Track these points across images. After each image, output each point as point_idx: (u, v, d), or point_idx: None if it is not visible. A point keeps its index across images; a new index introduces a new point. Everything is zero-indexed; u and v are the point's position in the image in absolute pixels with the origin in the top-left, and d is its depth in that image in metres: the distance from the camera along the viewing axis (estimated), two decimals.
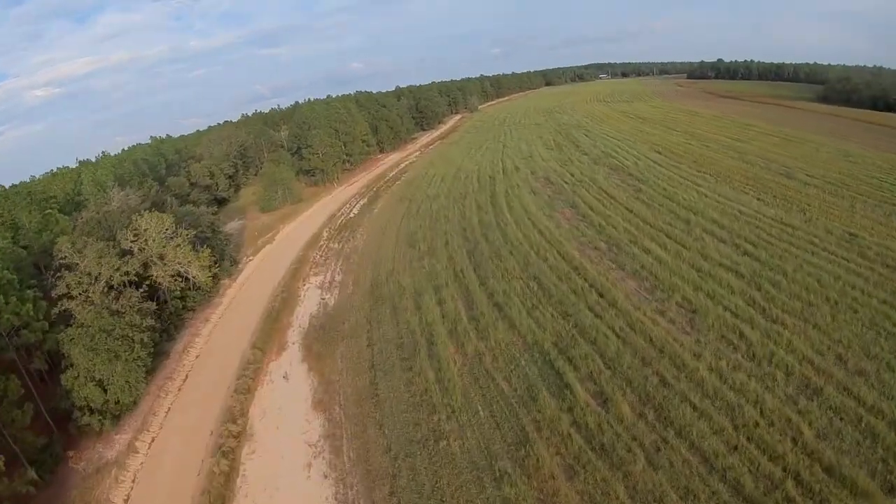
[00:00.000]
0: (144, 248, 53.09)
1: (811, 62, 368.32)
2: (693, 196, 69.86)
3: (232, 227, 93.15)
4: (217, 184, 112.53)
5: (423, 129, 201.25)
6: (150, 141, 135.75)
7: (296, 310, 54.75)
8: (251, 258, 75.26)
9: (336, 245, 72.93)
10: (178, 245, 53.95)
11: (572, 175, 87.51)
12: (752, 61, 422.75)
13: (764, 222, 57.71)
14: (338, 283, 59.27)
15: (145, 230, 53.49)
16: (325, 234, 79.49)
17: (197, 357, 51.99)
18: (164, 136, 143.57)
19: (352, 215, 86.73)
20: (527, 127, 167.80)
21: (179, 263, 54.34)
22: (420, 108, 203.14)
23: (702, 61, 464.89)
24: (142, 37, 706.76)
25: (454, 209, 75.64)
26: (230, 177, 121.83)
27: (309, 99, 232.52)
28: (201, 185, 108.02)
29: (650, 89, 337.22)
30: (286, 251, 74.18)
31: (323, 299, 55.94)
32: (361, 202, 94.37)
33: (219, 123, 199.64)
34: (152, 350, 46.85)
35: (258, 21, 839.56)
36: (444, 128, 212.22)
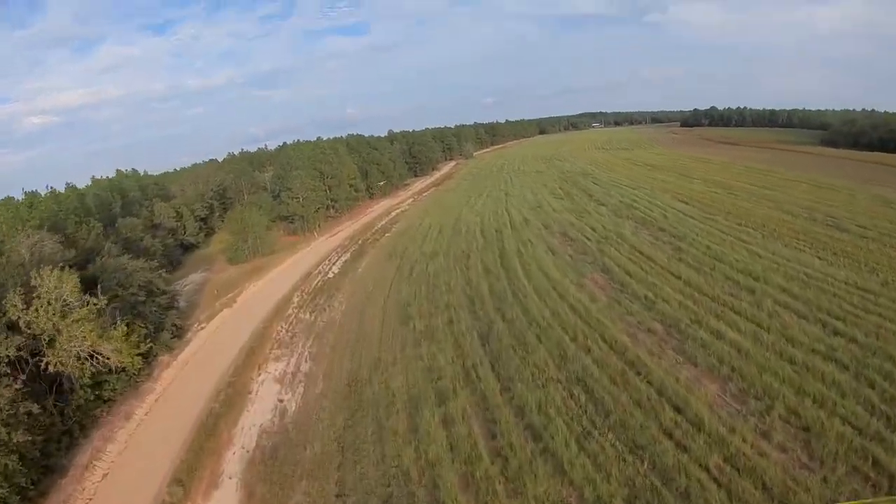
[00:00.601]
0: (34, 322, 38.30)
1: (801, 108, 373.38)
2: (745, 256, 56.38)
3: (192, 280, 79.73)
4: (185, 227, 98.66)
5: (417, 175, 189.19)
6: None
7: (242, 417, 39.28)
8: (203, 325, 60.23)
9: (307, 315, 57.93)
10: (79, 319, 39.04)
11: (594, 229, 73.89)
12: (745, 108, 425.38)
13: (838, 288, 45.30)
14: (303, 376, 43.91)
15: (37, 296, 38.80)
16: (295, 298, 64.49)
17: (104, 477, 36.80)
18: (132, 170, 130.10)
19: (331, 275, 71.99)
20: (528, 174, 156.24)
21: (81, 344, 39.36)
22: (413, 152, 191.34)
23: (695, 109, 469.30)
24: (140, 71, 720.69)
25: (456, 272, 61.05)
26: (202, 219, 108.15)
27: (298, 140, 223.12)
28: (165, 227, 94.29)
29: (646, 137, 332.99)
30: (246, 319, 59.23)
31: (281, 401, 40.57)
32: (344, 257, 79.99)
33: (204, 161, 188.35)
34: (30, 481, 32.02)
35: (256, 62, 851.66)
36: (438, 174, 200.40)
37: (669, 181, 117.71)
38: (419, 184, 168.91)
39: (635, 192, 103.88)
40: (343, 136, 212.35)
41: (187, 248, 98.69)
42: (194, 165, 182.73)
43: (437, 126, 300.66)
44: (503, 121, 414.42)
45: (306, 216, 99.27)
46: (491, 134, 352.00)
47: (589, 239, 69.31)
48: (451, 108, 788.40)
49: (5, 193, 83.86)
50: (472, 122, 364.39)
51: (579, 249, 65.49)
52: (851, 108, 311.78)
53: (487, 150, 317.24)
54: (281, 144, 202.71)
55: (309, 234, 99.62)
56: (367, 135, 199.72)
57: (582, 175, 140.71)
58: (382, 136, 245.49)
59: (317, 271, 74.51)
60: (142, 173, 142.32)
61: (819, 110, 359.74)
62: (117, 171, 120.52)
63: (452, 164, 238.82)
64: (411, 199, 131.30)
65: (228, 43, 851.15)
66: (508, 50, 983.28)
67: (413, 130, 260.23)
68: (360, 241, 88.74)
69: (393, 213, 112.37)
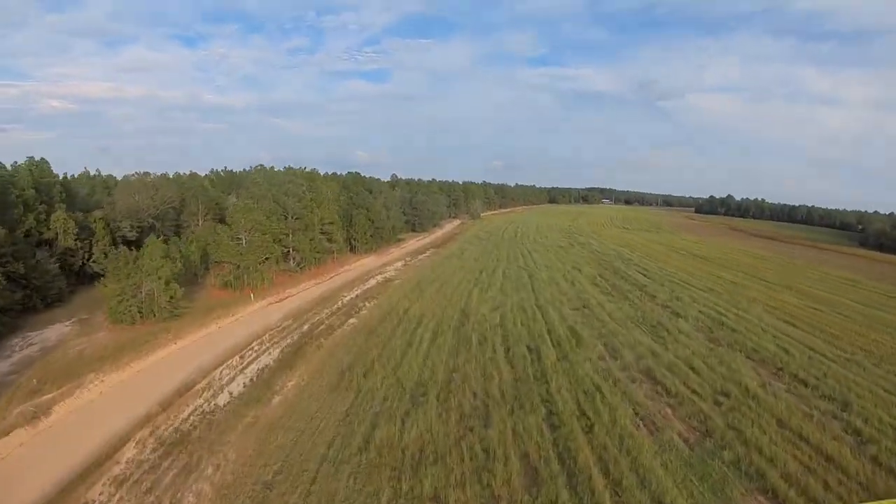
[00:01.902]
0: None
1: (820, 206, 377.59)
2: None
3: (44, 338, 51.66)
4: (91, 249, 69.03)
5: (415, 231, 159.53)
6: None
7: None
8: None
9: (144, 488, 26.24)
10: None
11: (693, 369, 42.84)
12: (763, 200, 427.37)
13: None
14: None
15: None
16: (149, 440, 32.44)
17: None
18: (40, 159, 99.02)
19: (225, 398, 39.52)
20: (550, 249, 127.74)
21: None
22: (415, 203, 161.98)
23: (711, 196, 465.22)
24: (162, 77, 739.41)
25: (459, 466, 29.26)
26: (130, 243, 78.24)
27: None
28: (59, 245, 67.11)
29: (666, 220, 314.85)
30: (45, 464, 27.86)
31: None
32: (268, 356, 47.26)
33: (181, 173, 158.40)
34: None
35: (276, 91, 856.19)
36: (440, 232, 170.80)
37: (741, 283, 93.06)
38: (416, 242, 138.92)
39: (708, 297, 76.54)
40: (339, 172, 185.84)
41: (92, 276, 67.79)
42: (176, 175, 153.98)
43: (445, 180, 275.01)
44: (513, 184, 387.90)
45: (246, 266, 68.35)
46: (500, 195, 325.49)
47: (698, 395, 38.06)
48: (459, 166, 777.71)
49: None
50: (480, 181, 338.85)
51: (693, 422, 34.17)
52: (862, 210, 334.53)
53: (496, 212, 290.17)
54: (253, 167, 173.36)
55: (247, 291, 68.58)
56: (367, 175, 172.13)
57: (620, 260, 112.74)
58: (385, 179, 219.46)
59: (216, 377, 42.44)
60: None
61: (836, 209, 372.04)
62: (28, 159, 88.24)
63: (457, 222, 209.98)
64: (401, 262, 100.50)
65: (253, 68, 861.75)
66: (522, 116, 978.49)
67: (419, 180, 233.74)
68: (307, 324, 56.50)
69: (372, 281, 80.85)
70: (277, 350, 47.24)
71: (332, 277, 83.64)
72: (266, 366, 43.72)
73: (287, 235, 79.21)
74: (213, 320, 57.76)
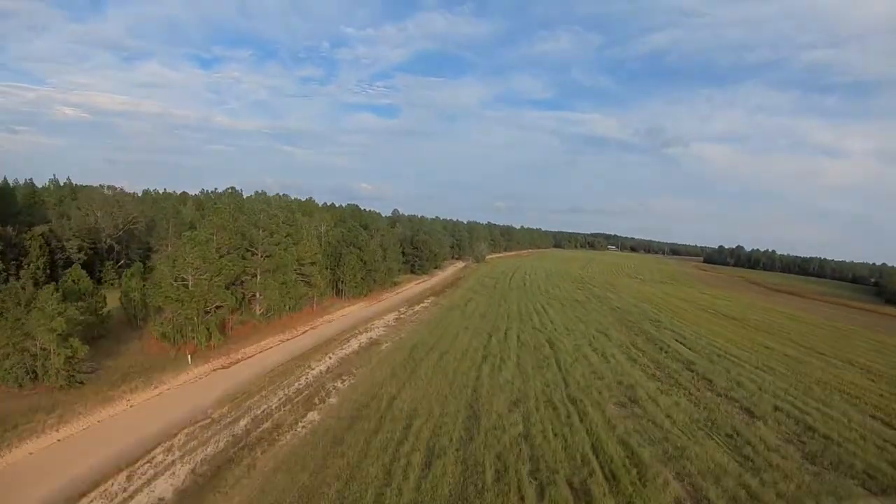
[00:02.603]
0: None
1: (830, 258, 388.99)
2: None
3: None
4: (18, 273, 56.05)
5: (414, 272, 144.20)
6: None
7: None
8: None
9: None
10: None
11: None
12: (773, 252, 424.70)
13: None
14: None
15: None
16: None
17: None
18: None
19: None
20: (566, 303, 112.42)
21: None
22: (416, 242, 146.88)
23: (720, 246, 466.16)
24: (175, 96, 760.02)
25: None
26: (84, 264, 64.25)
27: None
28: None
29: (676, 270, 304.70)
30: None
31: None
32: (168, 483, 29.41)
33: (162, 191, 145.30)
34: None
35: (286, 118, 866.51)
36: (441, 275, 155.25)
37: (795, 357, 78.29)
38: (414, 286, 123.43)
39: (772, 381, 62.72)
40: (335, 203, 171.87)
41: None
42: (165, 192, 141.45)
43: (448, 218, 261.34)
44: (518, 226, 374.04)
45: (189, 317, 52.50)
46: (506, 238, 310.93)
47: None
48: (462, 204, 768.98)
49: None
50: (485, 222, 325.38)
51: None
52: (871, 262, 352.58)
53: (501, 255, 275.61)
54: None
55: (203, 349, 52.80)
56: (367, 209, 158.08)
57: (647, 320, 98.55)
58: (386, 214, 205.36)
59: None
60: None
61: (846, 261, 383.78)
62: None
63: (461, 265, 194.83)
64: (395, 315, 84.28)
65: (265, 94, 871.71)
66: (528, 158, 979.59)
67: (421, 217, 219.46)
68: (246, 418, 39.46)
69: (353, 342, 63.73)
70: (187, 469, 30.73)
71: (305, 332, 67.66)
72: (160, 500, 27.53)
73: (252, 277, 63.69)
74: (125, 394, 41.74)
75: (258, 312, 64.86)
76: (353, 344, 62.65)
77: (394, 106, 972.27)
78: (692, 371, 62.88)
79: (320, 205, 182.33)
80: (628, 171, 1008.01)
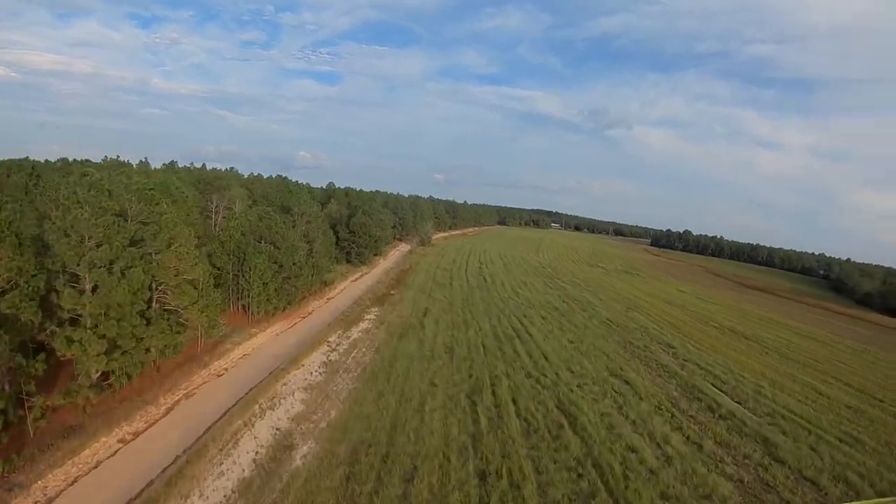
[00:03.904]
0: None
1: (776, 246, 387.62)
2: None
3: None
4: None
5: (351, 262, 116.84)
6: None
7: None
8: None
9: None
10: None
11: None
12: (721, 238, 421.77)
13: None
14: None
15: None
16: None
17: None
18: None
19: None
20: (547, 316, 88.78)
21: None
22: (353, 226, 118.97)
23: (668, 230, 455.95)
24: (112, 56, 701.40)
25: None
26: None
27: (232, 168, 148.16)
28: None
29: (633, 255, 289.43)
30: None
31: None
32: None
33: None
34: None
35: (225, 83, 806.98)
36: (384, 265, 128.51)
37: (858, 408, 59.61)
38: (350, 286, 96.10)
39: (879, 470, 40.66)
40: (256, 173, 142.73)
41: None
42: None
43: (389, 191, 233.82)
44: (456, 200, 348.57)
45: None
46: (451, 215, 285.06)
47: None
48: (402, 177, 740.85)
49: None
50: (426, 196, 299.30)
51: None
52: (813, 252, 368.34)
53: (446, 234, 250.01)
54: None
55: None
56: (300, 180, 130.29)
57: (659, 346, 76.53)
58: (321, 187, 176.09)
59: None
60: None
61: (794, 250, 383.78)
62: None
63: (405, 248, 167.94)
64: (322, 355, 54.96)
65: (204, 57, 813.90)
66: (469, 133, 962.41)
67: (360, 190, 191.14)
68: None
69: (238, 455, 35.18)
70: None
71: (135, 436, 39.16)
72: None
73: (65, 326, 35.42)
74: None
75: (83, 386, 36.64)
76: (236, 456, 34.96)
77: (336, 74, 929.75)
78: (780, 461, 40.96)
79: (246, 176, 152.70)
80: (570, 150, 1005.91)
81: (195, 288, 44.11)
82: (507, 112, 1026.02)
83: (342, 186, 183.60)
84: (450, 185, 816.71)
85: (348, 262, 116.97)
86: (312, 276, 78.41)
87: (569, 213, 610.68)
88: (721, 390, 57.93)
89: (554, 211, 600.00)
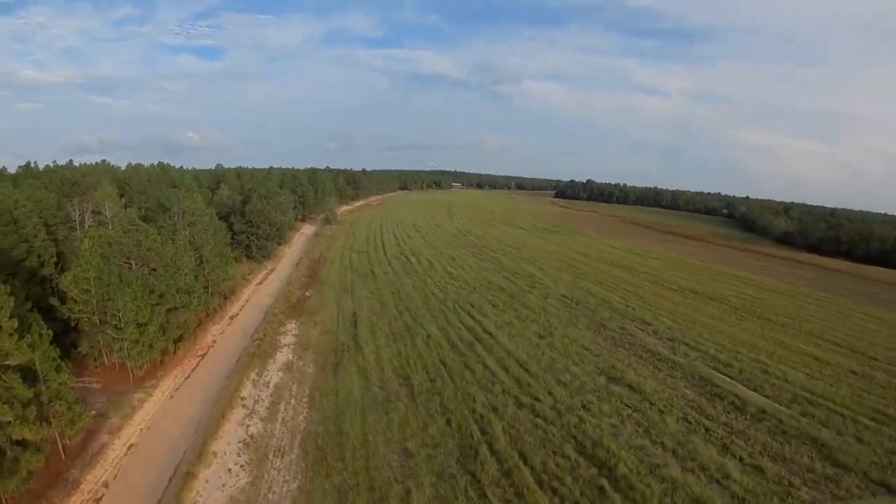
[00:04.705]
0: None
1: (683, 189, 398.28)
2: None
3: None
4: None
5: (252, 258, 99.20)
6: None
7: None
8: None
9: None
10: None
11: None
12: (626, 185, 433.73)
13: None
14: None
15: None
16: None
17: None
18: None
19: None
20: (497, 302, 75.99)
21: None
22: (249, 214, 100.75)
23: (572, 180, 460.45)
24: None
25: None
26: None
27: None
28: None
29: (541, 209, 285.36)
30: None
31: None
32: None
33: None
34: None
35: (101, 66, 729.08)
36: (291, 255, 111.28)
37: (862, 373, 55.49)
38: (255, 295, 78.70)
39: None
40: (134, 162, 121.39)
41: None
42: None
43: (285, 166, 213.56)
44: (351, 169, 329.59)
45: None
46: (353, 185, 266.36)
47: None
48: (296, 149, 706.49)
49: None
50: (322, 167, 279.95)
51: None
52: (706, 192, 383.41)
53: (350, 207, 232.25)
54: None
55: None
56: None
57: (633, 323, 67.86)
58: (209, 168, 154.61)
59: None
60: None
61: (700, 192, 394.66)
62: None
63: (310, 230, 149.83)
64: (241, 425, 39.13)
65: (76, 39, 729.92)
66: (357, 98, 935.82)
67: (253, 168, 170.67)
68: None
69: None
70: None
71: None
72: None
73: None
74: None
75: None
76: None
77: (218, 47, 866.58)
78: (841, 465, 36.18)
79: (123, 168, 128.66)
80: (462, 107, 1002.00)
81: (23, 382, 27.50)
82: (396, 74, 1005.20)
83: (234, 167, 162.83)
84: (341, 153, 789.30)
85: (249, 257, 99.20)
86: (208, 294, 61.45)
87: (469, 172, 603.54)
88: (730, 377, 50.29)
89: (454, 170, 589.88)
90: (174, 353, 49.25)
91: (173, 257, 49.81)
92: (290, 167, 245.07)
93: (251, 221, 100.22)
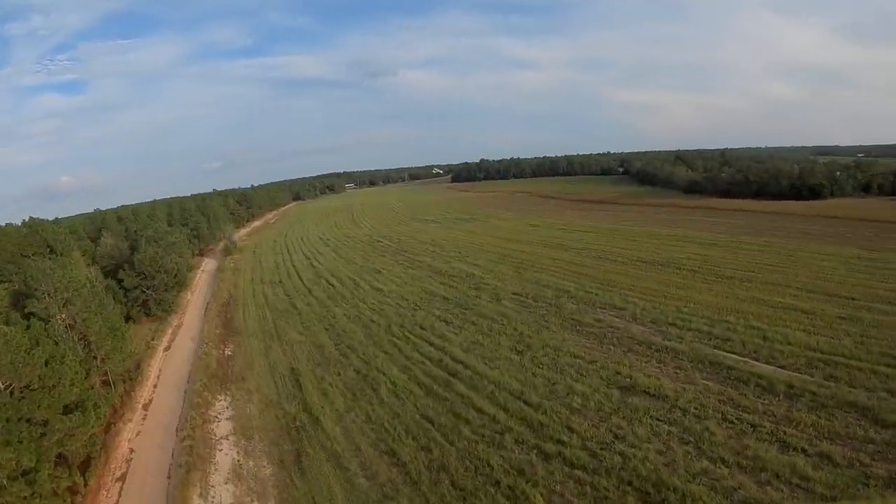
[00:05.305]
0: None
1: (570, 154, 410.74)
2: None
3: None
4: None
5: (150, 314, 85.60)
6: None
7: None
8: None
9: None
10: None
11: None
12: (521, 158, 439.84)
13: None
14: None
15: None
16: None
17: None
18: None
19: None
20: (438, 307, 70.94)
21: None
22: (139, 264, 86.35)
23: (465, 162, 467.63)
24: None
25: None
26: None
27: None
28: None
29: (443, 197, 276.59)
30: None
31: None
32: None
33: None
34: None
35: None
36: (195, 301, 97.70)
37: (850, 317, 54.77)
38: (165, 371, 64.81)
39: None
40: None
41: None
42: None
43: (171, 196, 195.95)
44: (239, 187, 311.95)
45: None
46: (246, 205, 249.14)
47: None
48: (180, 176, 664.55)
49: None
50: (210, 190, 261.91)
51: None
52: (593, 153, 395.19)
53: (247, 229, 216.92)
54: None
55: None
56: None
57: (592, 307, 62.86)
58: (86, 213, 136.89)
59: None
60: None
61: (590, 154, 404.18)
62: None
63: (211, 266, 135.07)
64: None
65: None
66: (234, 112, 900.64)
67: (137, 205, 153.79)
68: None
69: None
70: None
71: None
72: None
73: None
74: None
75: None
76: None
77: (81, 80, 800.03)
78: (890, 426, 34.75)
79: None
80: (342, 106, 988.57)
81: None
82: (272, 82, 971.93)
83: (116, 206, 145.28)
84: (226, 171, 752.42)
85: (149, 315, 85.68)
86: (109, 390, 49.27)
87: (361, 170, 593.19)
88: (737, 353, 47.05)
89: (343, 171, 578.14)
90: (85, 486, 37.39)
91: (50, 362, 37.69)
92: (178, 196, 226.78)
93: (144, 273, 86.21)
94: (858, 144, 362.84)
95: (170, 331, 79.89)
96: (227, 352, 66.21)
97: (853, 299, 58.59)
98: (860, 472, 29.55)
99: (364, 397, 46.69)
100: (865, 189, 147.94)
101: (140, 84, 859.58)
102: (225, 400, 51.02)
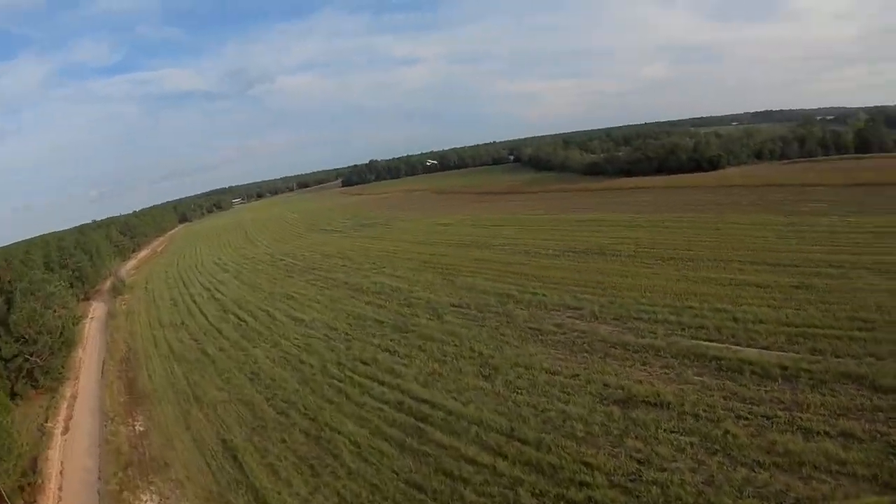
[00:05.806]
0: None
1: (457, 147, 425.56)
2: None
3: None
4: None
5: (39, 388, 73.62)
6: None
7: None
8: None
9: None
10: None
11: None
12: (409, 156, 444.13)
13: None
14: None
15: None
16: None
17: None
18: None
19: None
20: (391, 341, 61.58)
21: None
22: (17, 327, 73.64)
23: (354, 165, 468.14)
24: None
25: None
26: None
27: None
28: None
29: (337, 203, 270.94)
30: None
31: None
32: None
33: None
34: None
35: None
36: (88, 362, 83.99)
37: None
38: (67, 473, 55.20)
39: None
40: None
41: None
42: None
43: (48, 231, 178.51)
44: (120, 214, 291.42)
45: None
46: (130, 234, 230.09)
47: None
48: (63, 207, 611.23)
49: None
50: (89, 221, 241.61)
51: None
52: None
53: (134, 260, 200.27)
54: None
55: None
56: None
57: (551, 309, 59.56)
58: None
59: None
60: None
61: (477, 146, 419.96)
62: None
63: (101, 311, 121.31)
64: None
65: None
66: (110, 134, 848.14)
67: (10, 245, 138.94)
68: None
69: None
70: None
71: None
72: None
73: None
74: None
75: None
76: None
77: None
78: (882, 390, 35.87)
79: None
80: (221, 118, 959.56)
81: None
82: (144, 99, 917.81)
83: None
84: (107, 199, 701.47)
85: (35, 388, 74.02)
86: None
87: (246, 183, 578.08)
88: (716, 341, 46.31)
89: (229, 186, 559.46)
90: None
91: None
92: (54, 231, 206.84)
93: (24, 337, 74.34)
94: (731, 113, 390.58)
95: (65, 405, 68.62)
96: (139, 427, 56.86)
97: (797, 266, 60.66)
98: (884, 442, 29.40)
99: (326, 469, 39.59)
100: (758, 156, 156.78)
101: (9, 112, 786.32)
102: (152, 501, 42.59)
